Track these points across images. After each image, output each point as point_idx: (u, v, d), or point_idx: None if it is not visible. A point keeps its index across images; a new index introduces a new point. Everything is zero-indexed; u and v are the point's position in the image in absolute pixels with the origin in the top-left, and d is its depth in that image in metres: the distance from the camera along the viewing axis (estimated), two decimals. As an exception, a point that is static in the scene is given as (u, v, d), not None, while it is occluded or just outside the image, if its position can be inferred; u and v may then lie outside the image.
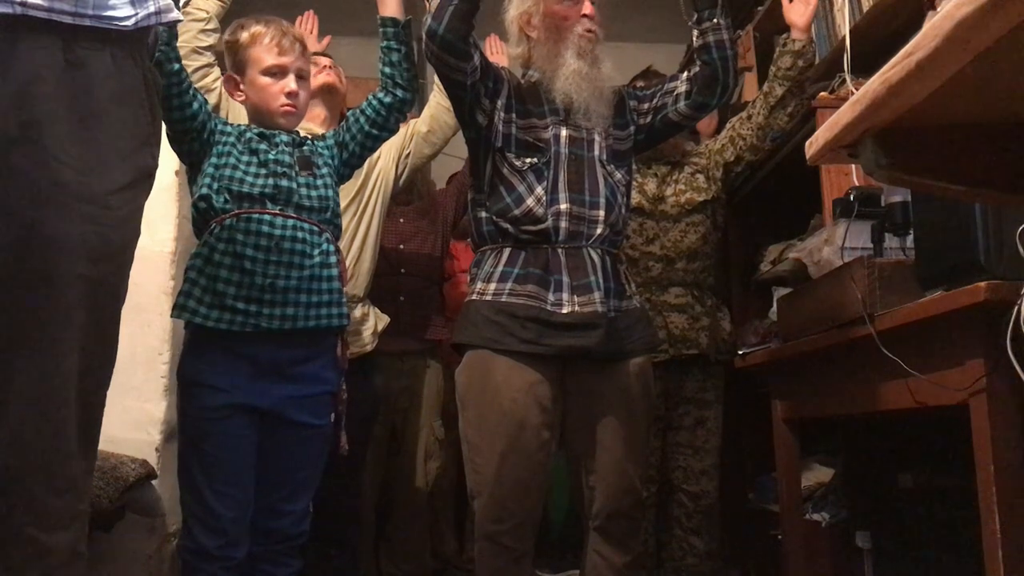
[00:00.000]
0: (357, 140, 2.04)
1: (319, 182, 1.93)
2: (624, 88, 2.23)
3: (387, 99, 2.04)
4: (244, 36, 1.95)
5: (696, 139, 3.01)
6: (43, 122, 1.21)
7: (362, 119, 2.04)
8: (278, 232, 1.83)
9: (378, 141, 2.09)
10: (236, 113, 2.24)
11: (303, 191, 1.89)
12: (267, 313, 1.80)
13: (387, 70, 2.05)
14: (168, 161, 2.11)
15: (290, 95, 1.92)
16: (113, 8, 1.27)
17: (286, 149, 1.92)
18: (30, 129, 1.20)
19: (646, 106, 2.16)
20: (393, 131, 2.11)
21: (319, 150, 2.00)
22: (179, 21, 1.44)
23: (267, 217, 1.83)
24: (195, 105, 1.85)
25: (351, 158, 2.05)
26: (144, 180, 1.36)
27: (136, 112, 1.33)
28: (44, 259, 1.19)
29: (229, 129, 1.92)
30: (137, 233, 1.36)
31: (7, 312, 1.19)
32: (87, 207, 1.23)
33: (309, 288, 1.85)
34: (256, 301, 1.80)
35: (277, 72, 1.93)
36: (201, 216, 1.87)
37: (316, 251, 1.87)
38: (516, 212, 1.97)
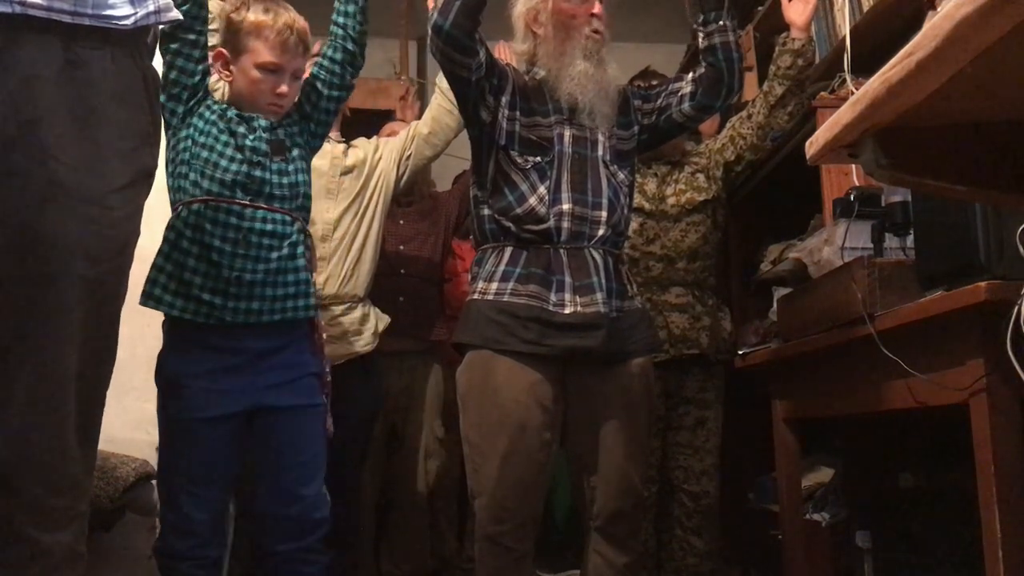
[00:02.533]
0: (319, 107, 1.99)
1: (290, 167, 1.90)
2: (628, 87, 2.23)
3: (337, 55, 1.99)
4: (248, 20, 1.89)
5: (697, 139, 3.01)
6: (42, 122, 1.21)
7: (318, 84, 1.99)
8: (246, 224, 1.81)
9: (339, 102, 2.03)
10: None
11: (275, 179, 1.86)
12: (231, 307, 1.79)
13: (340, 20, 2.00)
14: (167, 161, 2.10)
15: (279, 95, 1.89)
16: (112, 7, 1.27)
17: (263, 135, 1.88)
18: (29, 129, 1.20)
19: (650, 106, 2.15)
20: (350, 88, 2.04)
21: (290, 130, 1.95)
22: (179, 20, 1.44)
23: (236, 208, 1.81)
24: (201, 67, 1.84)
25: (318, 127, 2.01)
26: (144, 180, 1.36)
27: (135, 112, 1.33)
28: (43, 259, 1.19)
29: (215, 108, 1.88)
30: (137, 233, 1.36)
31: (6, 312, 1.19)
32: (86, 207, 1.23)
33: (275, 281, 1.83)
34: (222, 293, 1.79)
35: (273, 70, 1.88)
36: (174, 194, 1.85)
37: (285, 243, 1.85)
38: (518, 211, 1.97)
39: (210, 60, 1.91)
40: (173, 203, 1.86)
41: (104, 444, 1.38)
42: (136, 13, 1.30)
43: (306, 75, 2.02)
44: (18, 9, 1.19)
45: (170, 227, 1.82)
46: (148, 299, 1.80)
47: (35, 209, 1.19)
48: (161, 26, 1.41)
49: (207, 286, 1.78)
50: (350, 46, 2.00)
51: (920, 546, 2.29)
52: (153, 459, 2.27)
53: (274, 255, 1.83)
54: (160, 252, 1.81)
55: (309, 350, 1.91)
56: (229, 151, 1.84)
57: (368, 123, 3.14)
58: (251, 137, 1.87)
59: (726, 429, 2.71)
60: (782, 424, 2.43)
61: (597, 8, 2.05)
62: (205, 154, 1.82)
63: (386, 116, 3.42)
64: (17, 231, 1.19)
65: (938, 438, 2.26)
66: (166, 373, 1.84)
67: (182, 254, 1.79)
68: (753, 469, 3.00)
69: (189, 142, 1.84)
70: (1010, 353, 1.34)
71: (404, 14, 4.23)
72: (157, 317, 2.35)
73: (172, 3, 1.38)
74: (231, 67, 1.91)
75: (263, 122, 1.89)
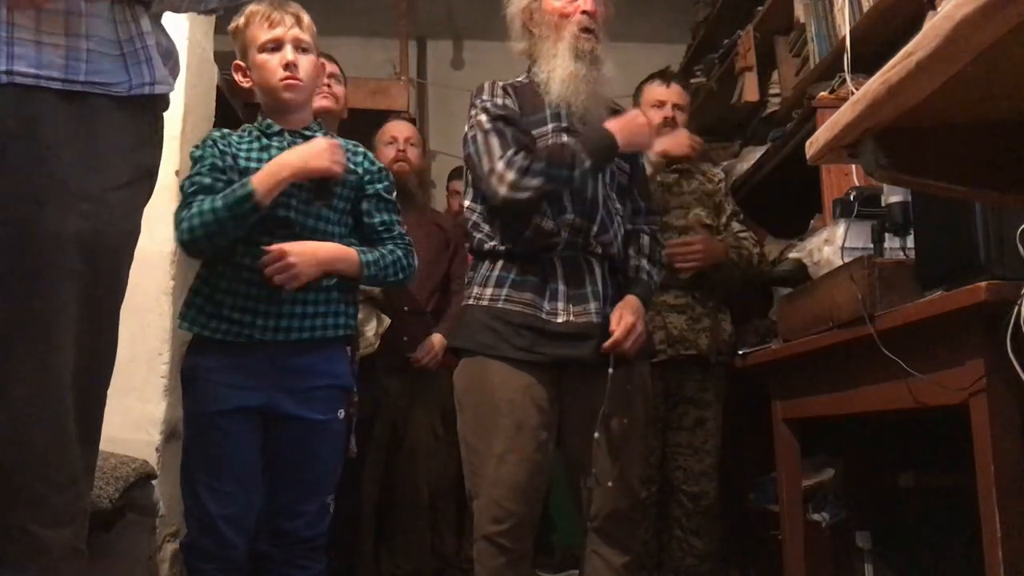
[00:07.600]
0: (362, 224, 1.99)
1: (334, 216, 1.91)
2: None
3: None
4: (241, 21, 1.94)
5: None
6: (42, 119, 1.20)
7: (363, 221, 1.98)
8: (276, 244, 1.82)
9: None
10: None
11: (310, 222, 1.87)
12: (260, 324, 1.81)
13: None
14: (168, 161, 2.11)
15: (288, 67, 1.89)
16: (106, 74, 1.26)
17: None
18: (28, 125, 1.20)
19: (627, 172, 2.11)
20: None
21: (345, 188, 1.93)
22: (169, 92, 1.40)
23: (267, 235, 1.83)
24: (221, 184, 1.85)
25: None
26: (144, 178, 1.35)
27: (136, 110, 1.32)
28: (39, 255, 1.19)
29: (239, 155, 1.89)
30: (137, 231, 1.35)
31: (3, 308, 1.19)
32: (84, 204, 1.22)
33: (304, 299, 1.84)
34: (251, 312, 1.81)
35: (273, 47, 1.90)
36: None
37: None
38: (516, 228, 1.95)
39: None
40: None
41: (104, 444, 1.38)
42: (131, 80, 1.28)
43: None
44: (4, 79, 1.18)
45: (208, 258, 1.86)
46: (183, 320, 1.85)
47: (33, 206, 1.19)
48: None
49: (237, 305, 1.81)
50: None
51: (920, 546, 2.29)
52: (153, 459, 2.28)
53: None
54: (198, 275, 1.86)
55: (342, 361, 1.91)
56: None
57: (367, 123, 3.14)
58: None
59: (726, 429, 2.71)
60: (782, 424, 2.43)
61: (588, 3, 1.99)
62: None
63: (385, 116, 3.42)
64: (15, 227, 1.18)
65: (938, 438, 2.26)
66: (185, 369, 1.88)
67: (217, 276, 1.83)
68: (753, 469, 3.00)
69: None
70: (1010, 353, 1.35)
71: (404, 14, 4.22)
72: (157, 317, 2.35)
73: (168, 76, 1.36)
74: (248, 73, 1.95)
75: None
